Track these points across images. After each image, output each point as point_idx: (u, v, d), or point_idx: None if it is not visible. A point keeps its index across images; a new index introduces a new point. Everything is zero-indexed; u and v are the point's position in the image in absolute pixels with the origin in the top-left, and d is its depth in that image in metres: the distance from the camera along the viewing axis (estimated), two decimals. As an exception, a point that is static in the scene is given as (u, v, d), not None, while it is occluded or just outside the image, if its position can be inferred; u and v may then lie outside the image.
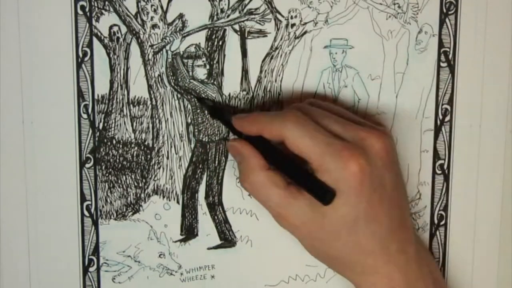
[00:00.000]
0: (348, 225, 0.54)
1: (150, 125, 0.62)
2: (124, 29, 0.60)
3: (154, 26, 0.60)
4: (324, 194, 0.53)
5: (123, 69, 0.61)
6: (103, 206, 0.62)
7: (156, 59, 0.61)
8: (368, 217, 0.54)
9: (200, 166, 0.63)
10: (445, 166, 0.65)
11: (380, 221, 0.54)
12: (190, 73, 0.62)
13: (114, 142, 0.62)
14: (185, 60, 0.61)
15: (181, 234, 0.64)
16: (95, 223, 0.62)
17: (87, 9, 0.59)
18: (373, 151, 0.54)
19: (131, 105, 0.61)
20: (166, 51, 0.61)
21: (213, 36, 0.61)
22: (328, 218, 0.54)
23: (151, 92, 0.61)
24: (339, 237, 0.54)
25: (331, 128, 0.55)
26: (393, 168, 0.56)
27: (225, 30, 0.61)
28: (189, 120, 0.62)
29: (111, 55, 0.60)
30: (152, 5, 0.60)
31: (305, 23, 0.62)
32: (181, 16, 0.60)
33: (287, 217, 0.55)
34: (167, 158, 0.63)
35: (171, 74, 0.61)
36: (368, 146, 0.54)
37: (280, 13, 0.62)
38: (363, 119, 0.60)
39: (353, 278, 0.57)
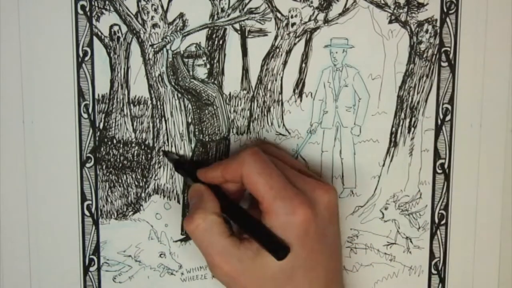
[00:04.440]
0: (287, 273, 0.54)
1: (151, 125, 0.62)
2: (124, 28, 0.60)
3: (154, 25, 0.60)
4: (278, 248, 0.53)
5: (124, 69, 0.61)
6: (103, 206, 0.62)
7: (157, 59, 0.61)
8: (308, 266, 0.54)
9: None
10: (446, 166, 0.65)
11: (318, 272, 0.55)
12: (191, 72, 0.62)
13: (114, 141, 0.62)
14: (186, 60, 0.61)
15: (181, 234, 0.64)
16: (96, 223, 0.62)
17: (87, 9, 0.59)
18: (321, 203, 0.55)
19: (132, 105, 0.61)
20: (167, 51, 0.61)
21: (214, 35, 0.61)
22: (268, 267, 0.54)
23: (152, 91, 0.61)
24: (276, 286, 0.54)
25: (285, 174, 0.55)
26: (336, 221, 0.57)
27: (225, 29, 0.61)
28: (189, 120, 0.62)
29: (111, 55, 0.60)
30: (152, 5, 0.60)
31: (305, 22, 0.62)
32: (181, 15, 0.60)
33: (224, 266, 0.54)
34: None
35: (172, 73, 0.61)
36: (317, 197, 0.55)
37: (280, 12, 0.62)
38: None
39: None
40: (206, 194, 0.57)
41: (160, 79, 0.61)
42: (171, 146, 0.62)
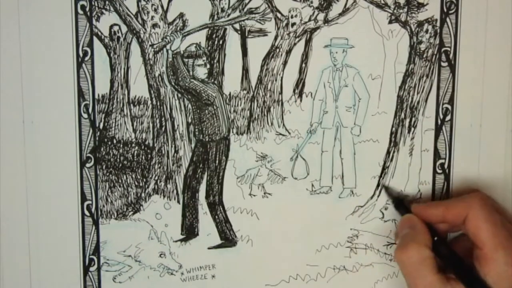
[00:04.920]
0: None
1: (151, 125, 0.62)
2: (124, 28, 0.60)
3: (154, 25, 0.60)
4: None
5: (124, 69, 0.61)
6: (103, 206, 0.62)
7: (157, 59, 0.61)
8: None
9: (201, 165, 0.63)
10: (446, 166, 0.65)
11: None
12: (191, 72, 0.62)
13: (114, 141, 0.62)
14: (186, 60, 0.61)
15: (181, 234, 0.64)
16: (96, 223, 0.62)
17: (87, 9, 0.59)
18: None
19: (132, 105, 0.61)
20: (167, 51, 0.61)
21: (214, 35, 0.61)
22: None
23: (152, 91, 0.61)
24: None
25: (507, 227, 0.57)
26: None
27: (225, 29, 0.61)
28: (189, 120, 0.62)
29: (111, 55, 0.60)
30: (152, 5, 0.60)
31: (305, 22, 0.62)
32: (181, 15, 0.60)
33: None
34: (168, 157, 0.63)
35: (172, 73, 0.61)
36: None
37: (280, 12, 0.62)
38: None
39: None
40: (420, 226, 0.59)
41: (160, 79, 0.61)
42: (171, 146, 0.62)
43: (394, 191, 0.65)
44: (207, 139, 0.63)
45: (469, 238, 0.57)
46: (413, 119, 0.65)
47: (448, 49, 0.64)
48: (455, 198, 0.61)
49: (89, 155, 0.61)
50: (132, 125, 0.62)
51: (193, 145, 0.63)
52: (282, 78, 0.63)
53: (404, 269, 0.57)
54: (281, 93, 0.63)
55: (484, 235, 0.55)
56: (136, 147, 0.62)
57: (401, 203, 0.64)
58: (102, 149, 0.61)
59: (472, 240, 0.57)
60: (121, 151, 0.62)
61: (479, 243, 0.56)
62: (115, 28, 0.60)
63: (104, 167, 0.62)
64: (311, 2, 0.62)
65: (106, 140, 0.61)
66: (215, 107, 0.62)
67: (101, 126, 0.61)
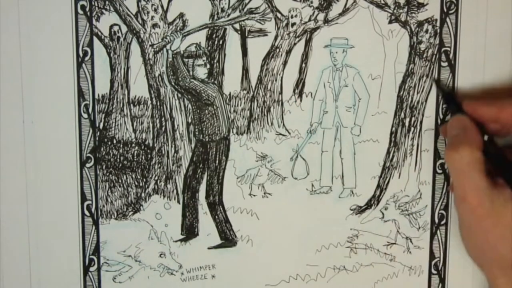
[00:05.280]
0: None
1: (151, 125, 0.62)
2: (124, 28, 0.60)
3: (154, 25, 0.60)
4: None
5: (124, 69, 0.61)
6: (103, 206, 0.62)
7: (157, 59, 0.61)
8: None
9: (201, 165, 0.63)
10: (446, 166, 0.65)
11: None
12: (191, 72, 0.62)
13: (114, 141, 0.62)
14: (186, 60, 0.61)
15: (181, 234, 0.64)
16: (96, 223, 0.62)
17: (87, 9, 0.59)
18: None
19: (132, 105, 0.61)
20: (167, 51, 0.61)
21: (214, 35, 0.61)
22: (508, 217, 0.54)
23: (152, 91, 0.61)
24: (505, 236, 0.55)
25: None
26: None
27: (225, 29, 0.61)
28: (189, 120, 0.62)
29: (111, 55, 0.60)
30: (152, 5, 0.60)
31: (305, 22, 0.62)
32: (181, 15, 0.60)
33: (474, 203, 0.55)
34: (168, 157, 0.63)
35: (172, 73, 0.61)
36: None
37: (280, 12, 0.62)
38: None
39: (495, 273, 0.57)
40: (471, 128, 0.57)
41: (160, 79, 0.61)
42: (171, 146, 0.62)
43: (445, 85, 0.63)
44: (207, 139, 0.63)
45: None
46: (413, 119, 0.65)
47: (448, 49, 0.64)
48: (509, 98, 0.59)
49: (89, 155, 0.61)
50: (132, 125, 0.62)
51: (193, 145, 0.63)
52: (282, 78, 0.63)
53: (453, 169, 0.56)
54: (281, 93, 0.63)
55: None
56: (136, 147, 0.62)
57: (452, 98, 0.62)
58: (102, 149, 0.61)
59: None
60: (121, 151, 0.62)
61: None
62: (115, 28, 0.60)
63: (104, 167, 0.62)
64: (311, 2, 0.62)
65: (106, 140, 0.61)
66: (215, 107, 0.62)
67: (101, 126, 0.61)
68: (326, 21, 0.62)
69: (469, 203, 0.55)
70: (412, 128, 0.65)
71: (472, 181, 0.55)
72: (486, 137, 0.58)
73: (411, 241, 0.66)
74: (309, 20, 0.62)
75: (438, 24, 0.63)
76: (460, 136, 0.57)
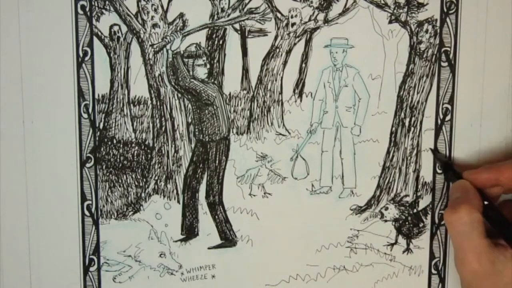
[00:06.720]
0: None
1: (151, 125, 0.62)
2: (124, 28, 0.60)
3: (154, 25, 0.60)
4: None
5: (124, 69, 0.61)
6: (103, 206, 0.62)
7: (157, 59, 0.61)
8: None
9: (201, 165, 0.63)
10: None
11: None
12: (191, 72, 0.62)
13: (114, 141, 0.62)
14: (186, 60, 0.61)
15: (181, 234, 0.64)
16: (96, 223, 0.62)
17: (87, 9, 0.59)
18: None
19: (132, 105, 0.61)
20: (167, 51, 0.61)
21: (214, 35, 0.61)
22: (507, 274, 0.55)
23: (152, 91, 0.61)
24: None
25: None
26: None
27: (225, 29, 0.61)
28: (189, 120, 0.62)
29: (111, 55, 0.60)
30: (152, 5, 0.60)
31: (305, 22, 0.62)
32: (181, 15, 0.60)
33: (474, 264, 0.56)
34: (168, 157, 0.63)
35: (172, 73, 0.61)
36: None
37: (280, 12, 0.62)
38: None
39: None
40: (472, 191, 0.58)
41: (160, 79, 0.61)
42: (171, 146, 0.62)
43: (442, 155, 0.64)
44: (207, 139, 0.63)
45: None
46: (413, 119, 0.65)
47: (448, 49, 0.64)
48: (506, 161, 0.60)
49: (89, 155, 0.61)
50: (132, 125, 0.62)
51: (193, 145, 0.63)
52: (282, 78, 0.63)
53: (452, 230, 0.57)
54: (281, 93, 0.63)
55: None
56: (136, 147, 0.62)
57: (450, 167, 0.63)
58: (102, 149, 0.61)
59: None
60: (121, 151, 0.62)
61: None
62: (115, 28, 0.60)
63: (104, 167, 0.62)
64: (311, 2, 0.62)
65: (106, 140, 0.61)
66: (215, 107, 0.62)
67: (101, 126, 0.61)
68: (326, 21, 0.62)
69: (469, 264, 0.56)
70: (412, 128, 0.65)
71: (472, 241, 0.55)
72: (486, 202, 0.59)
73: (411, 241, 0.66)
74: (309, 20, 0.62)
75: (438, 24, 0.63)
76: (460, 198, 0.58)
